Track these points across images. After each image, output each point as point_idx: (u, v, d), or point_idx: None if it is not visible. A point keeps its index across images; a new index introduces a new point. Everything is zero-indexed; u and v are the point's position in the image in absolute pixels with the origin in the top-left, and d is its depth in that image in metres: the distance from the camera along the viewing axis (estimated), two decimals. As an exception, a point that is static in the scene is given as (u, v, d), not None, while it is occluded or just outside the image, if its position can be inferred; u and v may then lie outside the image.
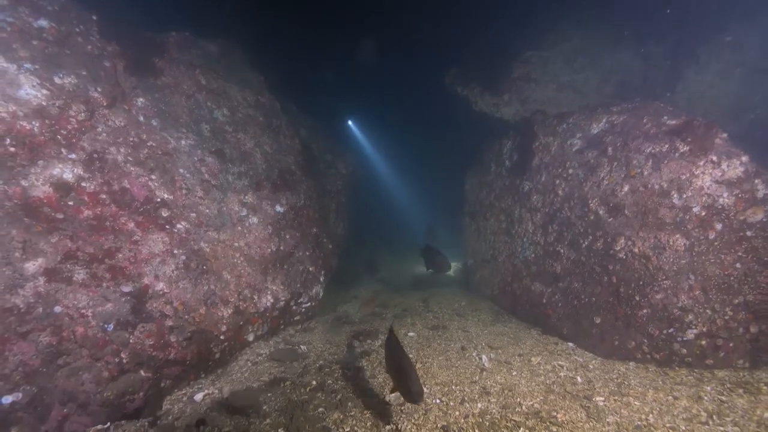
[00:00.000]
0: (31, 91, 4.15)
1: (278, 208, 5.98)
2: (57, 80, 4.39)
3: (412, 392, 2.90)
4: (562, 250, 5.53)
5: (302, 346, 5.10)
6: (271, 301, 5.27)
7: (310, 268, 6.17)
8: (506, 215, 7.06)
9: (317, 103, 9.48)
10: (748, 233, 3.94)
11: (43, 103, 4.20)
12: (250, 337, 5.08)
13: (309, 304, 6.07)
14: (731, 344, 3.93)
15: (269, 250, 5.55)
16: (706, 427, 2.91)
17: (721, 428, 2.87)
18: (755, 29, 6.22)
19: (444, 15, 8.37)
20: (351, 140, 12.00)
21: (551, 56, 7.63)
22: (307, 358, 4.78)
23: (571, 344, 4.93)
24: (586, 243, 5.11)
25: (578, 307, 5.06)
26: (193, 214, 4.98)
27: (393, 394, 3.70)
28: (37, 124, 4.12)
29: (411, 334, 5.41)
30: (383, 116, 11.14)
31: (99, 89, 4.70)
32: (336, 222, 8.68)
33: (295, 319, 5.92)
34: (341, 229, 8.88)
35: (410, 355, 4.67)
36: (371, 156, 13.30)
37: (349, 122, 11.72)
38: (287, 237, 5.98)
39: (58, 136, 4.29)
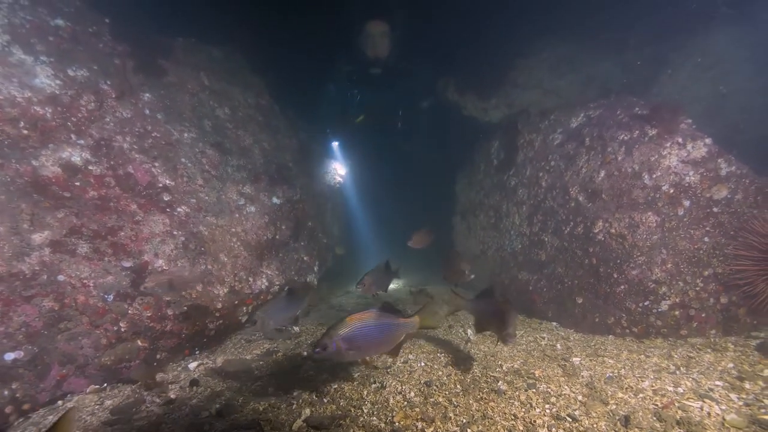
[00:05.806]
0: (45, 80, 4.48)
1: (275, 200, 6.23)
2: (70, 72, 4.73)
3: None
4: (546, 238, 5.75)
5: (295, 328, 5.25)
6: (266, 284, 5.44)
7: (305, 258, 6.37)
8: (495, 211, 7.31)
9: (316, 115, 9.79)
10: (715, 209, 4.19)
11: (56, 92, 4.53)
12: (245, 319, 5.23)
13: (303, 293, 6.23)
14: (703, 314, 4.11)
15: (265, 237, 5.77)
16: (674, 375, 3.07)
17: (687, 376, 3.03)
18: (725, 36, 6.66)
19: (435, 30, 8.79)
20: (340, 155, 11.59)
21: (536, 63, 8.07)
22: (300, 337, 4.93)
23: (554, 323, 5.09)
24: (568, 229, 5.34)
25: (562, 290, 5.25)
26: (193, 200, 5.23)
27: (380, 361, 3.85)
28: (50, 110, 4.43)
29: (401, 318, 5.56)
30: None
31: (108, 82, 5.03)
32: (332, 222, 8.91)
33: (289, 307, 6.07)
34: (336, 230, 9.11)
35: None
36: (358, 173, 12.80)
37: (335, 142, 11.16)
38: (283, 227, 6.20)
39: (69, 123, 4.59)
